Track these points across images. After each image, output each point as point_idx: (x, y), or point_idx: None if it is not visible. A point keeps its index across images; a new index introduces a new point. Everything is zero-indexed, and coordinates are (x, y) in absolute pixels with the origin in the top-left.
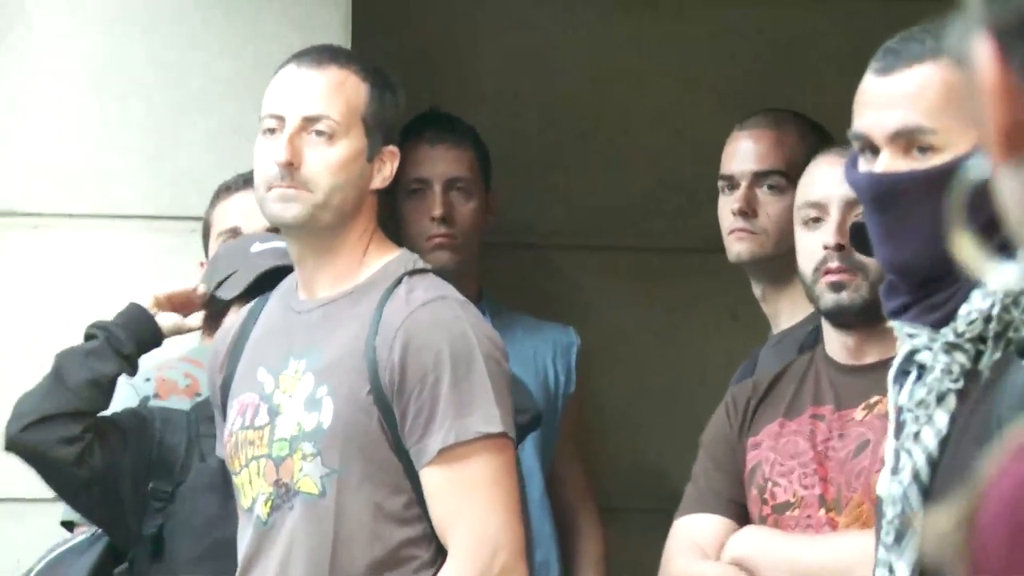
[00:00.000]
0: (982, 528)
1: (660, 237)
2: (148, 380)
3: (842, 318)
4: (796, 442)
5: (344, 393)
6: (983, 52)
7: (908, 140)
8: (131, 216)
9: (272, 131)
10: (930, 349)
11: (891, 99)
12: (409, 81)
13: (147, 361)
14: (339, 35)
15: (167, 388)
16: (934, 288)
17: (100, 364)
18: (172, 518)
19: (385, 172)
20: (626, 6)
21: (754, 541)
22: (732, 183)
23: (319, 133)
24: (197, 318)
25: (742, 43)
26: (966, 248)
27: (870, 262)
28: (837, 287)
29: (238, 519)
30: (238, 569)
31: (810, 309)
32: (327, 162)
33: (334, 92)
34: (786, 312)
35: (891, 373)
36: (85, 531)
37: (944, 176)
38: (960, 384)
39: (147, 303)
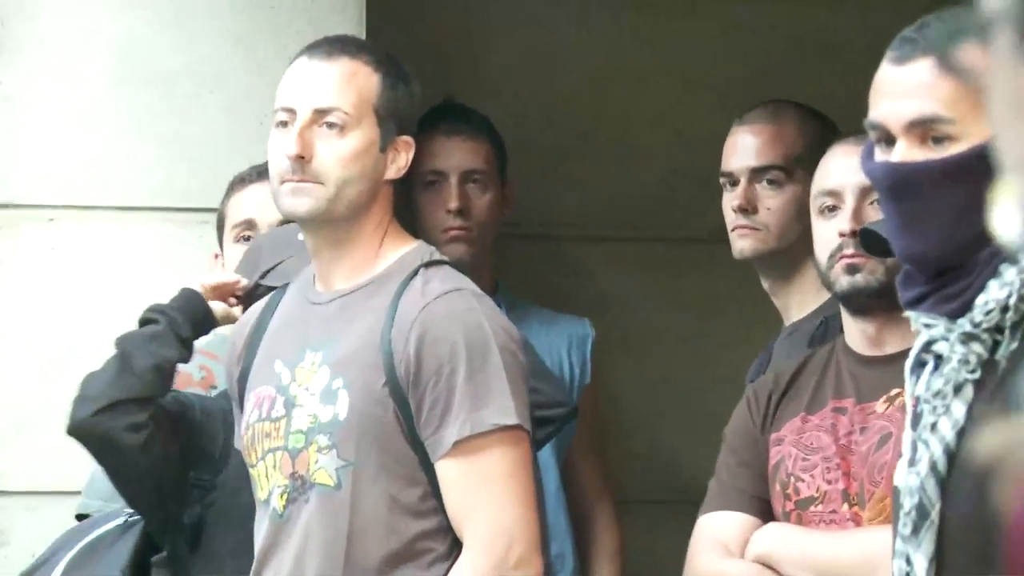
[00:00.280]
0: (1013, 527)
1: (677, 227)
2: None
3: (858, 301)
4: (818, 436)
5: (360, 385)
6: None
7: (924, 130)
8: (144, 208)
9: (284, 124)
10: (947, 339)
11: (907, 88)
12: (422, 74)
13: None
14: (353, 28)
15: (182, 380)
16: (951, 278)
17: (164, 349)
18: (211, 508)
19: (400, 162)
20: (639, 2)
21: (777, 538)
22: (732, 179)
23: (330, 125)
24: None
25: (755, 39)
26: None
27: None
28: (852, 269)
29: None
30: (254, 562)
31: (820, 301)
32: (339, 154)
33: (345, 84)
34: (796, 304)
35: (908, 364)
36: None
37: (961, 166)
38: (977, 374)
39: (196, 285)
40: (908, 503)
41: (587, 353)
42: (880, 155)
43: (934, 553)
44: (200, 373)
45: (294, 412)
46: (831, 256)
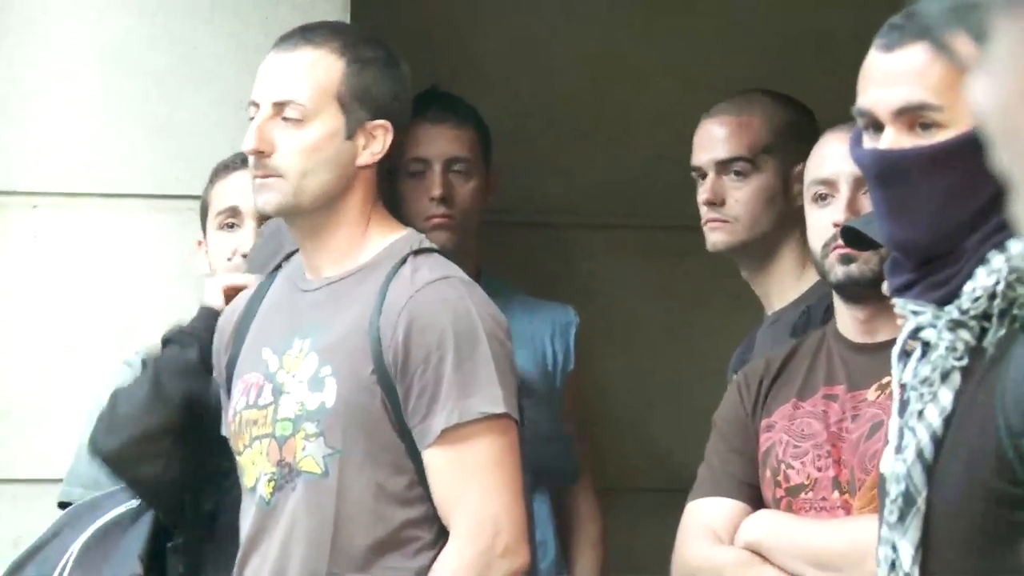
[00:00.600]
0: None
1: (665, 215)
2: (145, 362)
3: (853, 290)
4: (809, 423)
5: (347, 373)
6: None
7: (912, 117)
8: (131, 195)
9: (252, 119)
10: (934, 327)
11: (895, 75)
12: (409, 60)
13: (144, 342)
14: (338, 13)
15: None
16: (938, 265)
17: (195, 383)
18: (227, 496)
19: (374, 148)
20: None
21: (767, 525)
22: (701, 173)
23: (288, 118)
24: None
25: (751, 36)
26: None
27: None
28: (847, 259)
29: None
30: (240, 549)
31: (800, 288)
32: (297, 146)
33: (301, 75)
34: (776, 293)
35: (895, 351)
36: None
37: (949, 153)
38: (964, 361)
39: (217, 300)
40: (894, 490)
41: (570, 340)
42: (868, 142)
43: (920, 540)
44: None
45: (281, 399)
46: (825, 245)
